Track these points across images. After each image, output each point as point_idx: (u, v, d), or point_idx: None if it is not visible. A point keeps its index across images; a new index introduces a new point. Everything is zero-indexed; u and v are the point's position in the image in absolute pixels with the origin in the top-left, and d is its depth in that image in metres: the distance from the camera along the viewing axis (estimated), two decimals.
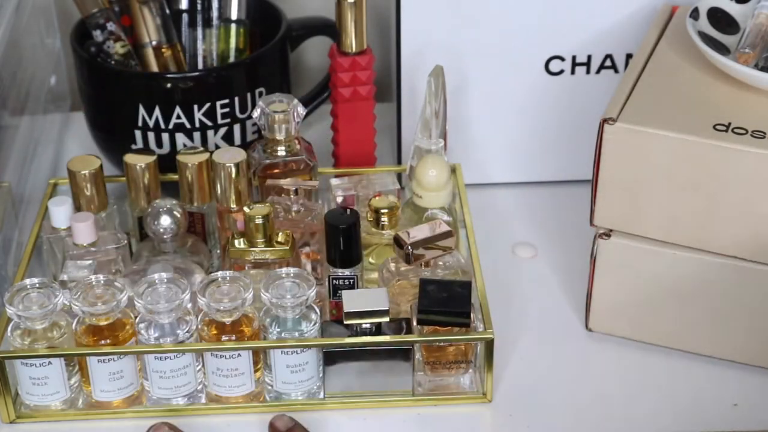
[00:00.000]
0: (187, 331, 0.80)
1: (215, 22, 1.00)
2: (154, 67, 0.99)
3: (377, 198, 0.87)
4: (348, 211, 0.84)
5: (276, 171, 0.89)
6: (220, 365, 0.80)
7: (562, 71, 0.97)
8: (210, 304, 0.79)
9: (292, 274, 0.81)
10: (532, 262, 0.95)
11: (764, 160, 0.76)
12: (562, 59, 0.97)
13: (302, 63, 1.17)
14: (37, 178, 1.00)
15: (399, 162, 1.02)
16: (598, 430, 0.80)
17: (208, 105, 0.94)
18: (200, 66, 1.02)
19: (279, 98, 0.89)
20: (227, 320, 0.79)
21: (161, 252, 0.87)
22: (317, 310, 0.81)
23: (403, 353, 0.80)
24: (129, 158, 0.89)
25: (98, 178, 0.88)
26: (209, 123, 0.95)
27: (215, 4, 1.00)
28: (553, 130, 1.00)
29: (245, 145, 0.96)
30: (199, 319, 0.81)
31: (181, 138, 0.95)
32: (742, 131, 0.77)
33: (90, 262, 0.85)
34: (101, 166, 0.89)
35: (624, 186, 0.81)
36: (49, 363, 0.79)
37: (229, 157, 0.88)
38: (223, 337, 0.80)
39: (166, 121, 0.94)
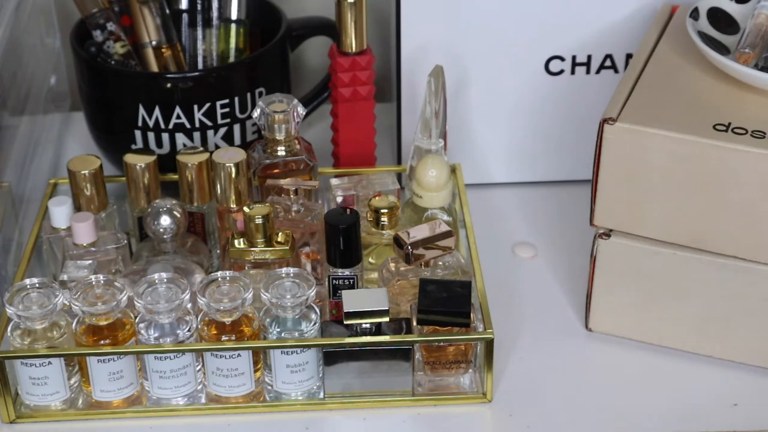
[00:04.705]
0: (188, 331, 0.80)
1: (215, 22, 1.00)
2: (154, 67, 0.99)
3: (377, 198, 0.87)
4: (348, 211, 0.84)
5: (276, 171, 0.89)
6: (220, 365, 0.80)
7: (562, 71, 0.97)
8: (210, 304, 0.79)
9: (292, 274, 0.81)
10: (532, 262, 0.95)
11: (764, 160, 0.76)
12: (562, 59, 0.97)
13: (302, 63, 1.17)
14: (37, 178, 1.00)
15: (399, 162, 1.02)
16: (597, 430, 0.80)
17: (208, 105, 0.94)
18: (200, 66, 1.02)
19: (279, 98, 0.89)
20: (227, 320, 0.79)
21: (161, 252, 0.87)
22: (317, 310, 0.81)
23: (403, 353, 0.80)
24: (129, 158, 0.89)
25: (98, 178, 0.89)
26: (209, 123, 0.95)
27: (215, 4, 1.00)
28: (553, 130, 1.00)
29: (245, 145, 0.96)
30: (199, 319, 0.81)
31: (181, 138, 0.95)
32: (742, 131, 0.77)
33: (90, 262, 0.85)
34: (101, 166, 0.89)
35: (624, 186, 0.81)
36: (49, 363, 0.79)
37: (229, 157, 0.88)
38: (223, 337, 0.80)
39: (166, 121, 0.94)
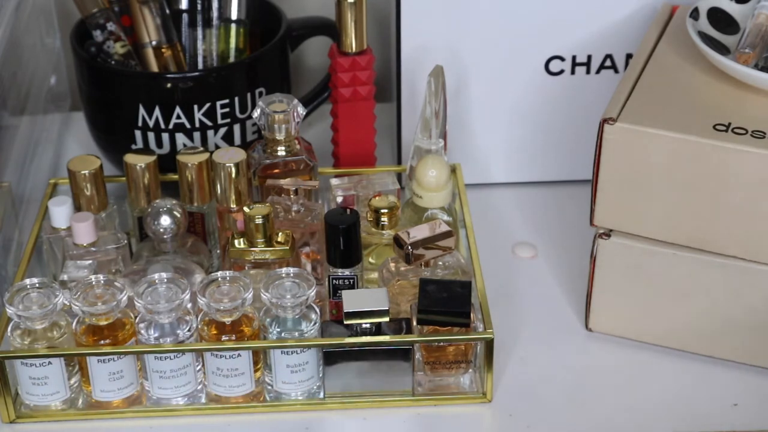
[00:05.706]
0: (188, 331, 0.80)
1: (215, 22, 1.00)
2: (154, 67, 0.99)
3: (377, 198, 0.87)
4: (348, 211, 0.84)
5: (276, 171, 0.89)
6: (220, 365, 0.80)
7: (562, 71, 0.97)
8: (210, 304, 0.79)
9: (292, 274, 0.81)
10: (532, 262, 0.95)
11: (764, 160, 0.76)
12: (562, 59, 0.97)
13: (302, 63, 1.17)
14: (37, 178, 1.00)
15: (399, 162, 1.02)
16: (597, 430, 0.80)
17: (208, 105, 0.94)
18: (200, 66, 1.02)
19: (279, 98, 0.89)
20: (227, 320, 0.79)
21: (161, 252, 0.87)
22: (317, 310, 0.81)
23: (403, 353, 0.80)
24: (129, 158, 0.89)
25: (98, 178, 0.89)
26: (209, 123, 0.95)
27: (215, 4, 1.00)
28: (553, 130, 1.00)
29: (245, 145, 0.96)
30: (199, 319, 0.81)
31: (181, 138, 0.95)
32: (742, 131, 0.77)
33: (90, 262, 0.85)
34: (101, 166, 0.89)
35: (624, 186, 0.81)
36: (49, 363, 0.79)
37: (229, 157, 0.88)
38: (223, 337, 0.80)
39: (166, 121, 0.94)
